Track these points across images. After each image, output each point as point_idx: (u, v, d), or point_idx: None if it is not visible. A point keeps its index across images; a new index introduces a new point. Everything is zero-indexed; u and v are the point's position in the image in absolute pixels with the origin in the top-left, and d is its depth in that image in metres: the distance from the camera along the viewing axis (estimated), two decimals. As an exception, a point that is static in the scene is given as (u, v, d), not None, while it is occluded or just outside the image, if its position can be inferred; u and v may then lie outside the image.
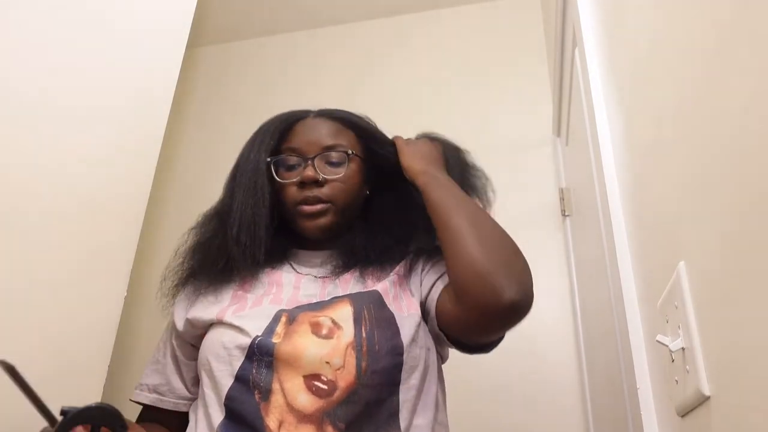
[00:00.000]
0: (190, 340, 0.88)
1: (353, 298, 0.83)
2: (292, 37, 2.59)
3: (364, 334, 0.78)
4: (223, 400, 0.76)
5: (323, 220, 0.90)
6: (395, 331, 0.80)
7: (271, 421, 0.73)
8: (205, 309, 0.86)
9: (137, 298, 1.31)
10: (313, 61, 2.49)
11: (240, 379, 0.77)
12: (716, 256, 0.53)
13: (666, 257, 0.70)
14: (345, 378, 0.75)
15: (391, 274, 0.89)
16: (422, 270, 0.92)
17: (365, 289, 0.86)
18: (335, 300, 0.84)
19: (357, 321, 0.79)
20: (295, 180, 0.91)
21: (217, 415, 0.77)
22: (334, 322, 0.79)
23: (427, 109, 2.17)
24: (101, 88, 0.91)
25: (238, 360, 0.77)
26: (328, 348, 0.76)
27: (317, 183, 0.90)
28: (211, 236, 0.91)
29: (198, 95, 2.58)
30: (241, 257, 0.86)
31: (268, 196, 0.89)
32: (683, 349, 0.61)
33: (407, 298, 0.87)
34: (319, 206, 0.89)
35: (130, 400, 0.88)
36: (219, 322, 0.82)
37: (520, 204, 1.88)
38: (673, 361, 0.64)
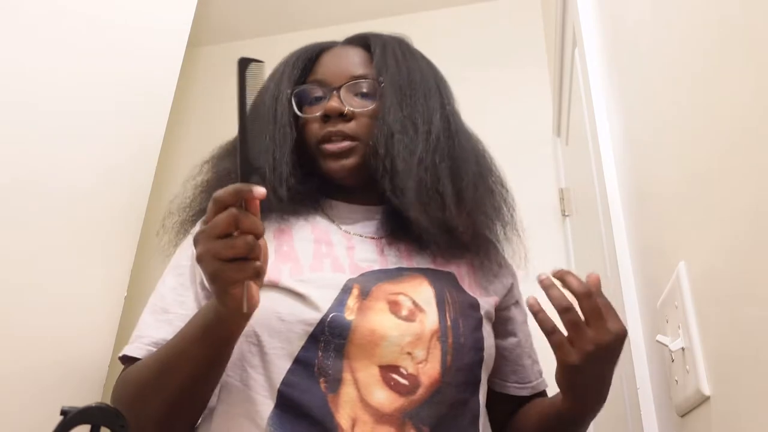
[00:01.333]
0: None
1: (429, 277, 0.72)
2: (293, 37, 2.59)
3: (449, 322, 0.68)
4: (278, 385, 0.63)
5: (349, 161, 0.77)
6: (478, 322, 0.71)
7: (343, 418, 0.61)
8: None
9: (137, 298, 1.31)
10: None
11: (302, 361, 0.64)
12: (716, 256, 0.53)
13: (666, 257, 0.70)
14: (428, 374, 0.65)
15: (462, 259, 0.78)
16: (505, 296, 0.82)
17: (435, 267, 0.75)
18: (407, 273, 0.72)
19: (440, 305, 0.69)
20: (318, 114, 0.78)
21: (266, 402, 0.63)
22: (415, 303, 0.68)
23: (427, 109, 2.17)
24: (102, 88, 0.91)
25: (300, 338, 0.64)
26: (410, 335, 0.65)
27: (343, 117, 0.77)
28: (230, 171, 0.76)
29: (198, 95, 2.58)
30: (271, 191, 0.72)
31: (291, 129, 0.78)
32: (683, 349, 0.61)
33: (483, 291, 0.77)
34: (343, 144, 0.76)
35: (125, 355, 0.69)
36: (272, 285, 0.68)
37: (519, 204, 1.88)
38: (673, 361, 0.64)
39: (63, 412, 0.52)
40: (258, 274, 0.53)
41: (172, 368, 0.62)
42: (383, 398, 0.63)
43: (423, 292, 0.70)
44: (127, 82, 0.97)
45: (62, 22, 0.84)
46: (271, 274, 0.68)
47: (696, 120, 0.58)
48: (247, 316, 0.57)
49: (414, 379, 0.64)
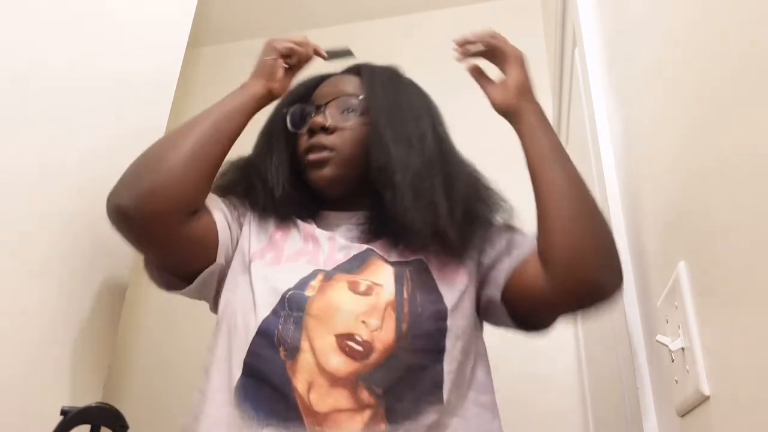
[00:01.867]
0: (234, 233, 0.83)
1: (395, 265, 0.78)
2: (292, 37, 2.59)
3: (405, 295, 0.74)
4: (244, 356, 0.71)
5: (326, 171, 0.84)
6: (438, 297, 0.76)
7: (299, 383, 0.67)
8: (247, 239, 0.82)
9: (137, 297, 1.31)
10: (313, 61, 2.49)
11: (263, 333, 0.71)
12: (716, 256, 0.53)
13: (666, 257, 0.70)
14: (382, 340, 0.70)
15: (432, 245, 0.81)
16: (478, 247, 0.85)
17: (404, 258, 0.80)
18: (372, 257, 0.79)
19: (398, 281, 0.75)
20: (305, 129, 0.87)
21: (237, 374, 0.71)
22: (374, 282, 0.75)
23: (427, 109, 2.17)
24: (101, 88, 0.91)
25: (264, 314, 0.72)
26: (365, 306, 0.72)
27: (325, 130, 0.85)
28: (233, 178, 0.89)
29: (198, 95, 2.58)
30: (262, 196, 0.85)
31: (283, 143, 0.89)
32: (683, 349, 0.61)
33: (453, 267, 0.81)
34: (322, 154, 0.84)
35: None
36: (248, 271, 0.78)
37: (520, 204, 1.88)
38: (673, 361, 0.64)
39: (63, 412, 0.52)
40: (290, 58, 0.89)
41: (203, 115, 0.82)
42: (338, 363, 0.68)
43: (383, 274, 0.76)
44: (127, 83, 0.97)
45: (61, 23, 0.84)
46: (255, 253, 0.80)
47: (696, 120, 0.58)
48: (262, 87, 0.86)
49: (368, 345, 0.69)
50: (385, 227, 0.82)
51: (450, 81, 2.30)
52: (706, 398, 0.55)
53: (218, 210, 0.82)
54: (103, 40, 0.92)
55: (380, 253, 0.80)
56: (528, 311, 0.80)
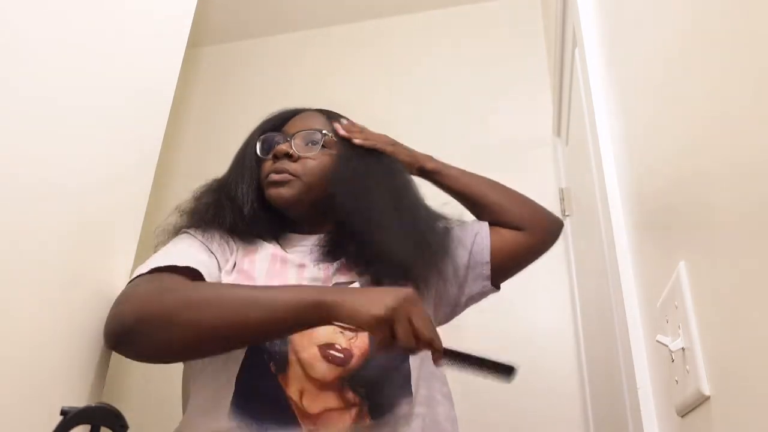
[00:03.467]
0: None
1: (359, 280, 0.87)
2: (292, 37, 2.59)
3: None
4: (235, 375, 0.76)
5: (285, 190, 0.91)
6: None
7: (293, 392, 0.75)
8: (217, 265, 0.86)
9: (137, 298, 1.31)
10: (313, 61, 2.49)
11: (254, 351, 0.77)
12: (716, 256, 0.53)
13: (666, 257, 0.70)
14: (359, 346, 0.78)
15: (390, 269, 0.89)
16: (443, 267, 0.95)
17: (361, 275, 0.89)
18: (342, 285, 0.86)
19: None
20: (271, 155, 0.95)
21: (228, 392, 0.76)
22: None
23: (428, 110, 2.17)
24: (101, 89, 0.91)
25: None
26: None
27: (289, 157, 0.93)
28: (206, 201, 0.95)
29: (198, 95, 2.58)
30: (230, 214, 0.91)
31: (255, 168, 0.96)
32: (683, 349, 0.61)
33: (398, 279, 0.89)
34: (283, 175, 0.91)
35: (166, 266, 0.81)
36: None
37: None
38: (673, 361, 0.64)
39: (63, 412, 0.52)
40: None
41: (238, 316, 0.70)
42: (324, 370, 0.76)
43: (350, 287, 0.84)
44: (126, 83, 0.97)
45: (60, 23, 0.84)
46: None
47: (696, 120, 0.58)
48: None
49: (347, 352, 0.78)
50: (343, 249, 0.89)
51: (451, 79, 2.30)
52: (706, 398, 0.55)
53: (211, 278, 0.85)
54: (103, 40, 0.92)
55: (345, 278, 0.87)
56: (510, 264, 0.99)
